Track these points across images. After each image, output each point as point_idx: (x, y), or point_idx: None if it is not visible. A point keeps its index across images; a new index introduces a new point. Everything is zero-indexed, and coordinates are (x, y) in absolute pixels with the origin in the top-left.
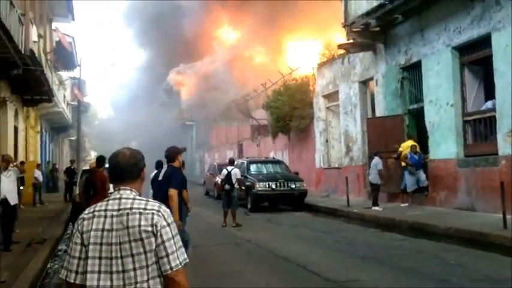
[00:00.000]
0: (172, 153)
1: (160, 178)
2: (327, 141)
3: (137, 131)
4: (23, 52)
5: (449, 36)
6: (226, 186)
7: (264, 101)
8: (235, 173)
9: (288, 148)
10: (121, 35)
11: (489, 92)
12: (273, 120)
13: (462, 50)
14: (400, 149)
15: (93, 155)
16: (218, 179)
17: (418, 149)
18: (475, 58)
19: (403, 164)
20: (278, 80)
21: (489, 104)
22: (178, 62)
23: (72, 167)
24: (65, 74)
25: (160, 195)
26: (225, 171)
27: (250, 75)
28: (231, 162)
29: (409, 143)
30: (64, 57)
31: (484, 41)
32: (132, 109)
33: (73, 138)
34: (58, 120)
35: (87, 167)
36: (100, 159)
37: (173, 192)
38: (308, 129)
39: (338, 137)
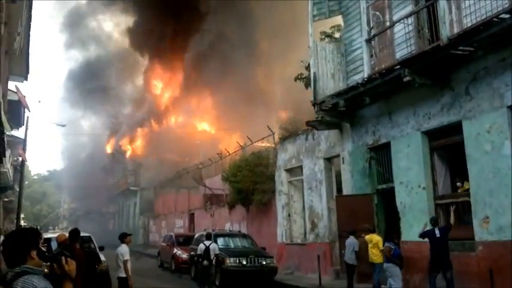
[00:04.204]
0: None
1: (438, 235)
2: (289, 215)
3: (73, 194)
4: None
5: (418, 121)
6: (205, 262)
7: (223, 173)
8: (214, 248)
9: (247, 220)
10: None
11: (456, 177)
12: (234, 193)
13: (432, 134)
14: (370, 243)
15: (21, 216)
16: (176, 251)
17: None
18: (445, 144)
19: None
20: (237, 150)
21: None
22: (127, 124)
23: None
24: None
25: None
26: (202, 246)
27: (203, 143)
28: (209, 236)
29: (376, 237)
30: (13, 116)
31: (454, 128)
32: (70, 171)
33: (6, 199)
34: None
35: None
36: (75, 233)
37: None
38: (269, 202)
39: (300, 212)
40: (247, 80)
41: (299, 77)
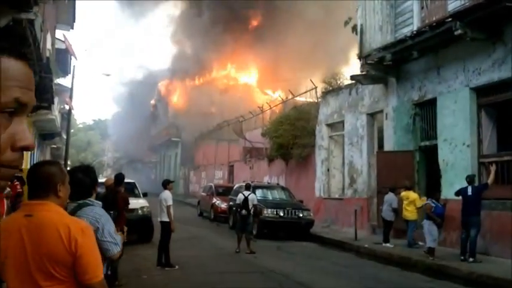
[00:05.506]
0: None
1: (470, 193)
2: (328, 170)
3: (117, 143)
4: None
5: (467, 77)
6: (243, 212)
7: (264, 128)
8: (253, 198)
9: (285, 174)
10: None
11: (502, 136)
12: (275, 148)
13: (481, 91)
14: (406, 200)
15: (68, 162)
16: (216, 200)
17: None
18: (494, 101)
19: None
20: (278, 104)
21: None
22: (172, 75)
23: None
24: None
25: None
26: (241, 196)
27: (244, 97)
28: (248, 187)
29: (413, 195)
30: (61, 64)
31: (505, 85)
32: (114, 121)
33: (54, 146)
34: (48, 128)
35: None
36: (120, 178)
37: None
38: (308, 157)
39: (339, 167)
40: (292, 34)
41: (348, 22)
